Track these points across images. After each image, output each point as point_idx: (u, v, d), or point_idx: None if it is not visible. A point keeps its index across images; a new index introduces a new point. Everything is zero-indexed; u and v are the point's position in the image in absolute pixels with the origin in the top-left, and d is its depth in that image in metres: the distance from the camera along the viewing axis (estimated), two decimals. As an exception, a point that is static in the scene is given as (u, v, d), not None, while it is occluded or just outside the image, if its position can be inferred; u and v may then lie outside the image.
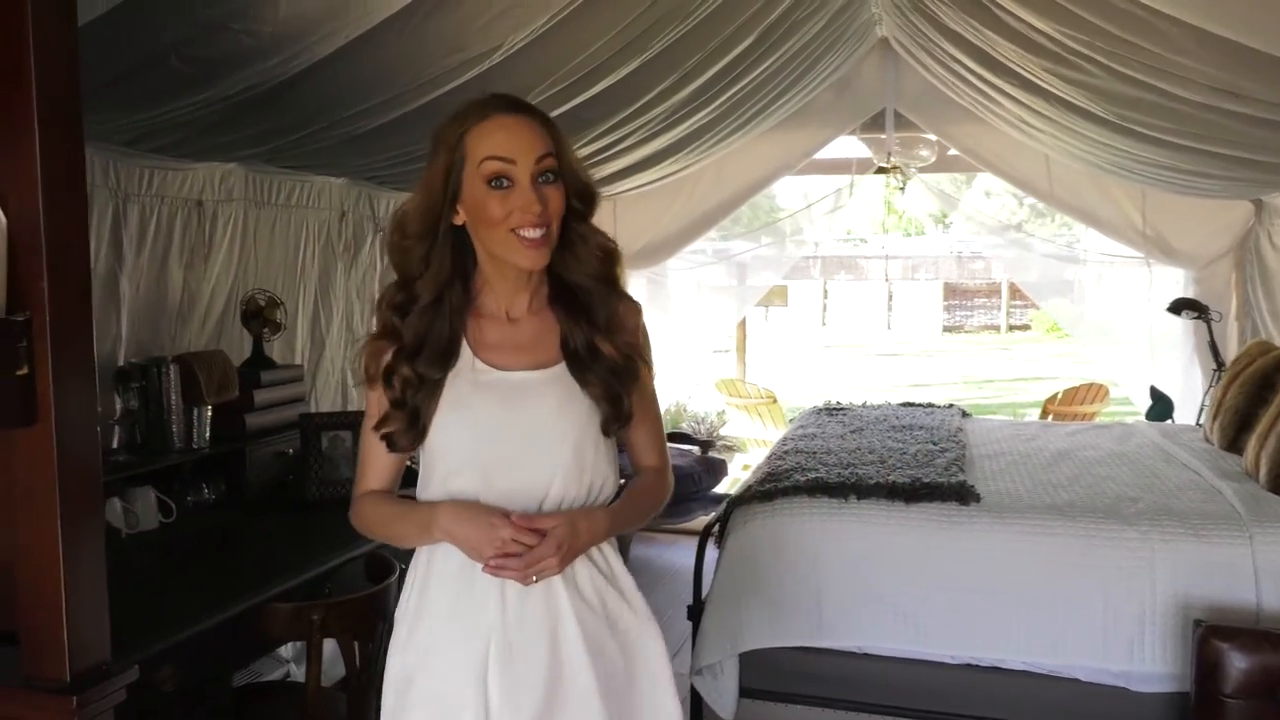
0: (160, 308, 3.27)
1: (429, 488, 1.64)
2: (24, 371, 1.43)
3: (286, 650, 3.46)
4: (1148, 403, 5.54)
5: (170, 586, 2.65)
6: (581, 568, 1.62)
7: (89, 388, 1.53)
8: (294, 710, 2.53)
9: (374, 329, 1.67)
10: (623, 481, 1.75)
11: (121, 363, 3.09)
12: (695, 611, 3.17)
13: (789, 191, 10.28)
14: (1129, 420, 5.48)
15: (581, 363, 1.63)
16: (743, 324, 7.51)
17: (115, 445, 3.02)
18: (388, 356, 1.60)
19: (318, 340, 4.01)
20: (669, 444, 5.86)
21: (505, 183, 1.53)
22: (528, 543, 1.50)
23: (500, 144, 1.53)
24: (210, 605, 2.40)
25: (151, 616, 2.34)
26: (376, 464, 1.69)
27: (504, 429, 1.60)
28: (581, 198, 1.61)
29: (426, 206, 1.58)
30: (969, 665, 2.96)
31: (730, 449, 6.78)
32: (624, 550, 5.21)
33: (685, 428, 6.75)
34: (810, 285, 19.80)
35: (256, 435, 3.32)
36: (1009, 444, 4.21)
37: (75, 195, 1.51)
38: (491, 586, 1.57)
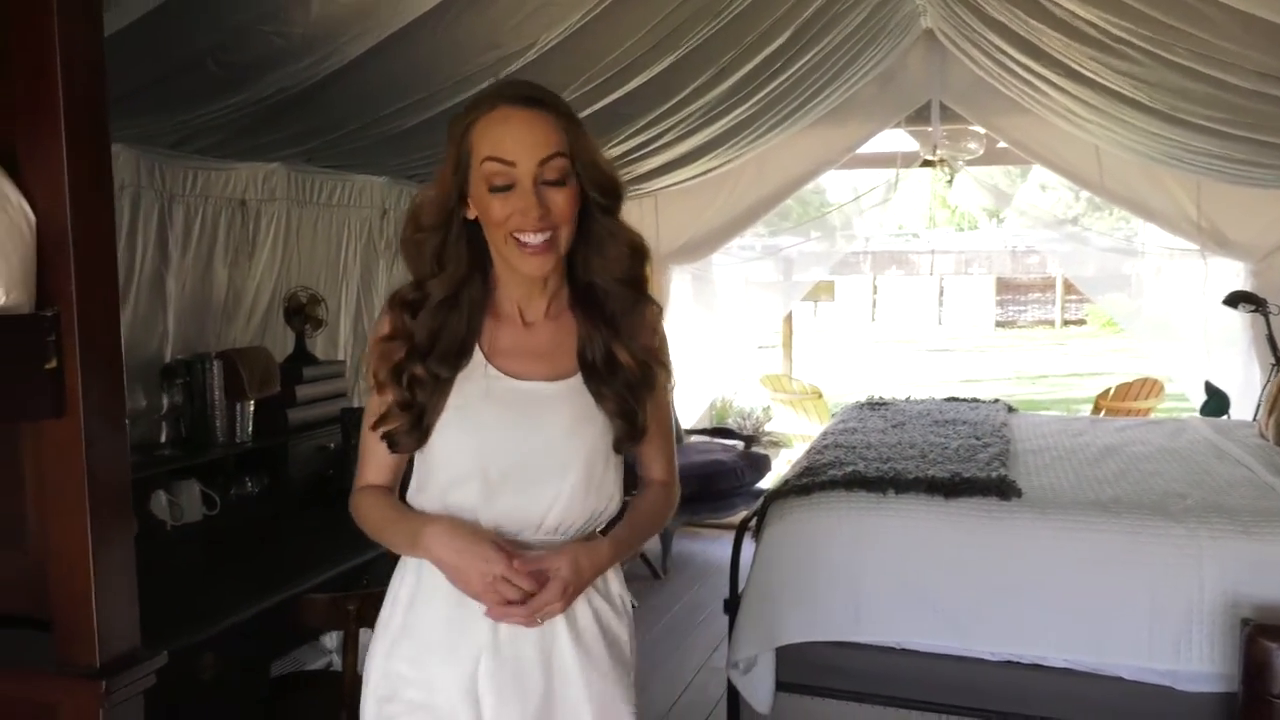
0: (206, 305, 3.34)
1: (424, 496, 1.56)
2: (53, 365, 1.47)
3: (330, 640, 3.51)
4: (1203, 398, 5.43)
5: (212, 577, 2.71)
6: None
7: (117, 381, 1.57)
8: (331, 699, 2.57)
9: (381, 329, 1.57)
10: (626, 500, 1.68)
11: (168, 359, 3.17)
12: (731, 605, 3.16)
13: (838, 186, 10.21)
14: (1184, 416, 5.36)
15: (598, 375, 1.54)
16: (789, 319, 7.47)
17: (163, 439, 3.09)
18: (399, 356, 1.52)
19: (360, 336, 4.07)
20: (713, 439, 5.88)
21: (506, 184, 1.43)
22: (521, 585, 1.41)
23: (500, 143, 1.43)
24: (250, 595, 2.46)
25: (193, 606, 2.40)
26: (376, 459, 1.60)
27: (512, 443, 1.51)
28: (605, 193, 1.51)
29: (439, 200, 1.49)
30: (1009, 662, 2.92)
31: (775, 444, 6.75)
32: (665, 545, 5.19)
33: (731, 423, 6.74)
34: (859, 280, 19.62)
35: (298, 430, 3.38)
36: (1055, 439, 4.14)
37: (102, 193, 1.55)
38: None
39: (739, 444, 6.01)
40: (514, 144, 1.43)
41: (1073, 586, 2.88)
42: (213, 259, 3.34)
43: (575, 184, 1.46)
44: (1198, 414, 5.30)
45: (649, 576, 5.21)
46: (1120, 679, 2.83)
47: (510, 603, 1.44)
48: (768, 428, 7.17)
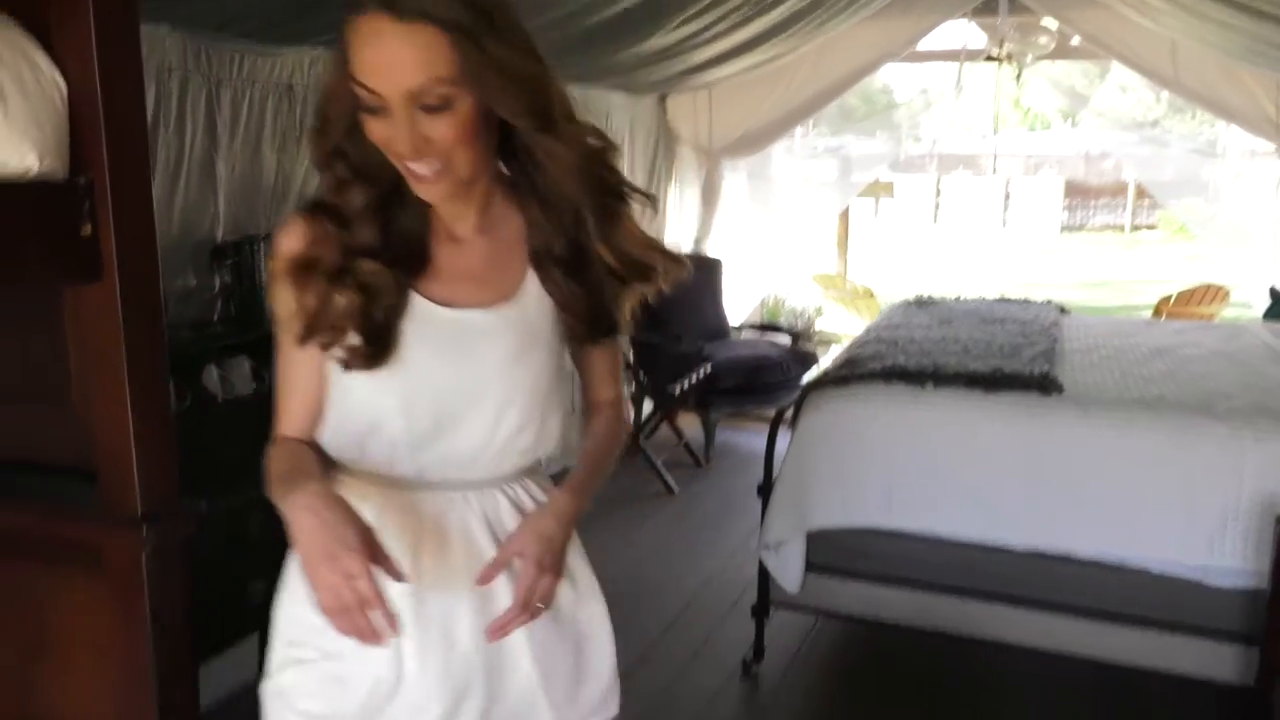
0: (255, 188, 3.40)
1: (339, 443, 1.35)
2: (87, 231, 1.54)
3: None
4: (1268, 304, 5.29)
5: (261, 446, 2.81)
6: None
7: (150, 247, 1.63)
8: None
9: (290, 246, 1.27)
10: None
11: (219, 240, 3.25)
12: (765, 490, 3.22)
13: (906, 86, 9.91)
14: (1244, 321, 5.23)
15: (561, 267, 1.32)
16: (845, 217, 7.38)
17: (215, 318, 3.19)
18: (333, 262, 1.24)
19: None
20: (762, 334, 5.89)
21: (378, 107, 1.16)
22: (365, 594, 1.12)
23: (364, 67, 1.14)
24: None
25: (242, 471, 2.50)
26: (291, 405, 1.36)
27: (441, 380, 1.30)
28: (525, 113, 1.21)
29: (342, 94, 1.20)
30: (1037, 552, 2.93)
31: (825, 343, 6.75)
32: (709, 435, 5.27)
33: (782, 322, 6.73)
34: (922, 179, 19.09)
35: (346, 312, 3.45)
36: (1105, 340, 4.08)
37: (131, 62, 1.58)
38: (404, 547, 1.29)
39: (787, 340, 6.03)
40: (379, 70, 1.14)
41: (1109, 482, 2.87)
42: (261, 143, 3.39)
43: (469, 104, 1.17)
44: (1260, 320, 5.17)
45: (691, 464, 5.32)
46: (1147, 571, 2.83)
47: (513, 615, 1.26)
48: (818, 326, 7.15)
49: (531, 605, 1.26)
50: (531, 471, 1.43)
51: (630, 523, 4.48)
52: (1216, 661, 2.77)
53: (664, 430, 5.48)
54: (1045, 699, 3.16)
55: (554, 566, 1.28)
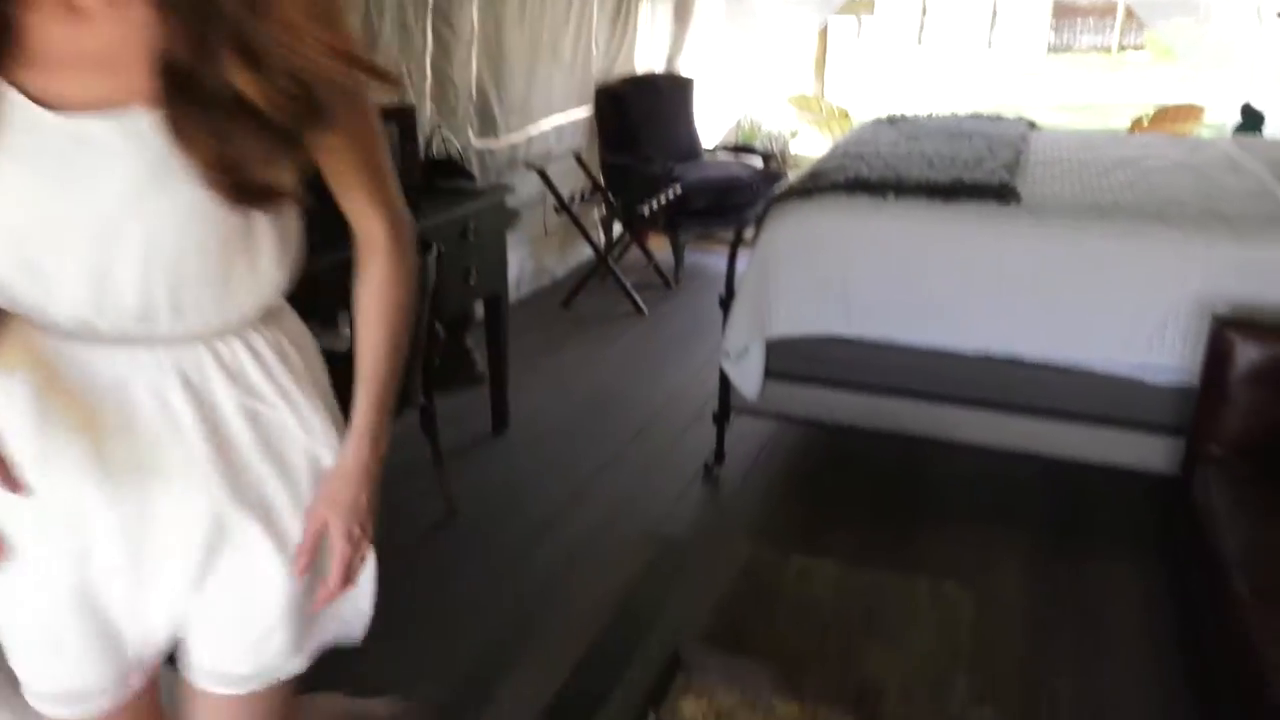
0: None
1: None
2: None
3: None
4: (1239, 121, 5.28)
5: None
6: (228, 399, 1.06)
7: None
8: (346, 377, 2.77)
9: None
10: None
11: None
12: (726, 301, 3.29)
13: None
14: (1213, 137, 5.24)
15: (185, 98, 0.90)
16: (824, 36, 7.21)
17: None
18: None
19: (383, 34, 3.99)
20: (735, 156, 5.85)
21: None
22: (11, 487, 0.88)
23: None
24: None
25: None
26: None
27: (50, 223, 0.93)
28: None
29: None
30: (987, 356, 3.03)
31: (799, 166, 6.71)
32: (678, 257, 5.30)
33: (757, 145, 6.67)
34: (908, -1, 18.44)
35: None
36: (1071, 153, 4.11)
37: None
38: (76, 425, 1.01)
39: (759, 162, 6.00)
40: None
41: (1061, 287, 2.95)
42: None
43: None
44: (1229, 135, 5.18)
45: (660, 286, 5.38)
46: (1092, 371, 2.95)
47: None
48: (793, 149, 7.09)
49: (353, 578, 1.15)
50: (263, 319, 1.08)
51: (600, 342, 4.58)
52: (1150, 453, 2.92)
53: (634, 252, 5.53)
54: (993, 493, 3.33)
55: (367, 530, 1.14)
